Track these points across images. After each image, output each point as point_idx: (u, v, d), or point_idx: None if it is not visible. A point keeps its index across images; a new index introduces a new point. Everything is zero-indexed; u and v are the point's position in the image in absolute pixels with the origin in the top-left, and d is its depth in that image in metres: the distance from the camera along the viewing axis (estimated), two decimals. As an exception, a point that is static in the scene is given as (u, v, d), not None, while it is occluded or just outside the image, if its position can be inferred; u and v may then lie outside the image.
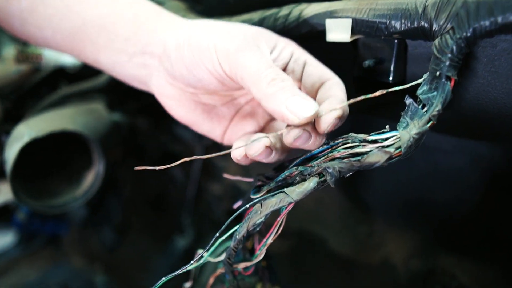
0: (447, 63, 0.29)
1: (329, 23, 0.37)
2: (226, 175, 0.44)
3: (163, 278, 0.33)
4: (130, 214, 0.95)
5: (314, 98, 0.34)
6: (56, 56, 0.68)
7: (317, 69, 0.36)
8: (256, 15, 0.45)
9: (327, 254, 0.65)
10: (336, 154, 0.30)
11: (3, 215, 0.81)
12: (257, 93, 0.32)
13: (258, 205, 0.33)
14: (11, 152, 0.56)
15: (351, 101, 0.31)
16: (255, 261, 0.38)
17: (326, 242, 0.66)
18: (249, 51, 0.32)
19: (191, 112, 0.40)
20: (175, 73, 0.37)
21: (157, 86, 0.40)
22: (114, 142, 0.71)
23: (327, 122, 0.31)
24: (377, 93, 0.31)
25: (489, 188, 0.50)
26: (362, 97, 0.31)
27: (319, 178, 0.30)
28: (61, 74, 0.71)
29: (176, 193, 0.94)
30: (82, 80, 0.70)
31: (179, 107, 0.40)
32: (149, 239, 0.95)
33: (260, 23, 0.43)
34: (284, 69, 0.38)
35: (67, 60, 0.70)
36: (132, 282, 0.89)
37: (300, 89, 0.36)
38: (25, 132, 0.56)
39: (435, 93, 0.30)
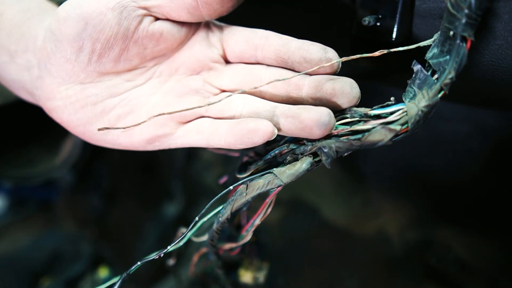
0: (464, 20, 0.24)
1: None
2: (210, 148, 0.41)
3: (138, 262, 0.31)
4: (120, 179, 0.92)
5: None
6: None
7: None
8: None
9: (320, 224, 0.63)
10: (333, 131, 0.26)
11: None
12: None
13: (243, 186, 0.29)
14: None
15: (344, 58, 0.27)
16: (241, 242, 0.35)
17: (319, 212, 0.64)
18: None
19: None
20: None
21: (47, 91, 0.32)
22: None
23: None
24: (377, 53, 0.27)
25: (493, 160, 0.47)
26: (357, 56, 0.27)
27: (313, 158, 0.26)
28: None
29: (167, 158, 0.91)
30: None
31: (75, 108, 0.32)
32: (140, 205, 0.94)
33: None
34: None
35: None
36: (123, 247, 0.89)
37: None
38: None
39: (447, 57, 0.25)
